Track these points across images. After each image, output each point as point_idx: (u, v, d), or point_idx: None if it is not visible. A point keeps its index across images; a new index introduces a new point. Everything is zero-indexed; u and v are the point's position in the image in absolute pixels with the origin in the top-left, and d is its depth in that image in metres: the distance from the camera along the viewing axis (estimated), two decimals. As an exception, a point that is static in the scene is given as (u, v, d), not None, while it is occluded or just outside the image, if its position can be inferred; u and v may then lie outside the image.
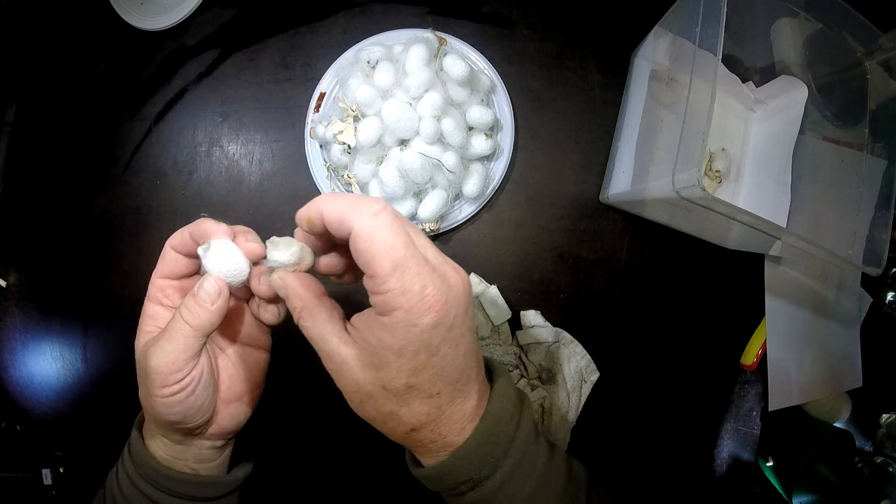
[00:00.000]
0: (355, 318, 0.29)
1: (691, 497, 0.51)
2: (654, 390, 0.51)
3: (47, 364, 0.55)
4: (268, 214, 0.53)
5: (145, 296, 0.33)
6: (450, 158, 0.45)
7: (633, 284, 0.51)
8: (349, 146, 0.46)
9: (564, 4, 0.52)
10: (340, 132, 0.46)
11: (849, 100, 0.46)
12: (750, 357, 0.51)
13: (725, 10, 0.35)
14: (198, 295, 0.30)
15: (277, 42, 0.54)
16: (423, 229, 0.48)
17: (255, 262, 0.32)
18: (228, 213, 0.53)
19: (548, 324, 0.50)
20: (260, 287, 0.32)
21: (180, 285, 0.34)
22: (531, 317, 0.50)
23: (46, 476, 0.54)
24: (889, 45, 0.42)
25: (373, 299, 0.26)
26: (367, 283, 0.26)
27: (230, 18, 0.54)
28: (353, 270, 0.32)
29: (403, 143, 0.46)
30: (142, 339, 0.33)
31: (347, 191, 0.49)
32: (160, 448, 0.34)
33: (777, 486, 0.51)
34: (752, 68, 0.49)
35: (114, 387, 0.54)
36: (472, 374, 0.29)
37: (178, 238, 0.32)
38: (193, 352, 0.31)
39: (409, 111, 0.44)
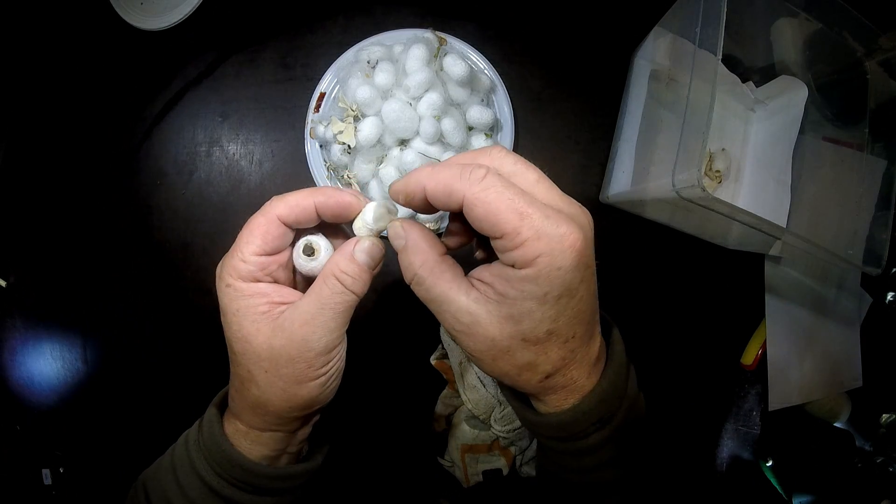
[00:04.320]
0: (480, 272, 0.27)
1: (691, 497, 0.51)
2: (654, 390, 0.51)
3: (47, 364, 0.55)
4: (268, 214, 0.53)
5: (231, 277, 0.29)
6: (450, 158, 0.45)
7: (633, 284, 0.51)
8: (349, 146, 0.46)
9: (565, 4, 0.52)
10: (340, 132, 0.46)
11: (849, 100, 0.46)
12: (750, 357, 0.51)
13: (725, 10, 0.35)
14: (360, 260, 0.28)
15: (277, 42, 0.54)
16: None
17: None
18: (228, 214, 0.53)
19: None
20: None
21: (281, 259, 0.30)
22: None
23: (46, 476, 0.54)
24: (889, 45, 0.42)
25: (509, 257, 0.25)
26: (498, 245, 0.25)
27: (230, 18, 0.54)
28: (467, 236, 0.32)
29: (403, 143, 0.46)
30: (262, 326, 0.28)
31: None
32: (264, 447, 0.31)
33: (777, 486, 0.51)
34: (752, 68, 0.49)
35: (114, 387, 0.54)
36: (597, 314, 0.29)
37: (295, 212, 0.29)
38: (348, 321, 0.29)
39: (409, 111, 0.44)
